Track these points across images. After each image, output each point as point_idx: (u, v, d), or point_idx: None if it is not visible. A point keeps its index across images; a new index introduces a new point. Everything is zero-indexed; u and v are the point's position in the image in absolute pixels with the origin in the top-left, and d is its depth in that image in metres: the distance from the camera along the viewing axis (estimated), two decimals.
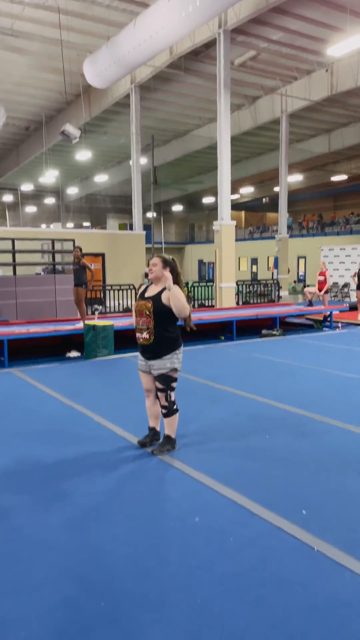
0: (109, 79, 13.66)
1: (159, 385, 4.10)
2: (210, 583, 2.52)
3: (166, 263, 4.12)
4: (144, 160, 22.67)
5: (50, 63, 17.73)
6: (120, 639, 2.16)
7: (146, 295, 4.16)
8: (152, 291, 4.15)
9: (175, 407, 4.16)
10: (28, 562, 2.72)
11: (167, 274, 3.99)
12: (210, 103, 20.79)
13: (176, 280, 4.12)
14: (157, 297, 4.06)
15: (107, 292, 16.16)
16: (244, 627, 2.22)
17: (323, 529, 3.00)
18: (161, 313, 4.02)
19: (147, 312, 4.05)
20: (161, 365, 4.06)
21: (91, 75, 13.89)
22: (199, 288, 17.84)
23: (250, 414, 5.32)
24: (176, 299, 3.94)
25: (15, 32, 14.81)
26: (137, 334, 4.16)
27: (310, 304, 13.84)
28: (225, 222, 14.63)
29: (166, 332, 4.04)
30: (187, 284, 18.96)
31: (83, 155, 24.40)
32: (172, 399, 4.14)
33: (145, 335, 4.07)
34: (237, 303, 17.29)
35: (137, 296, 4.29)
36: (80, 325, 9.46)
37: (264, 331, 11.14)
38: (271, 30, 15.69)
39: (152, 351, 4.07)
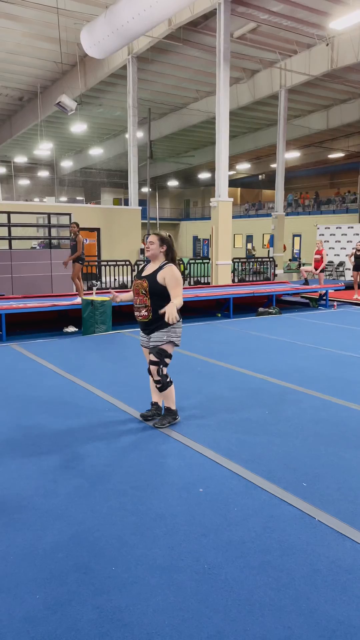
0: (106, 49, 13.36)
1: (153, 358, 4.16)
2: (217, 550, 2.62)
3: (163, 241, 4.17)
4: (140, 134, 22.35)
5: (45, 31, 17.32)
6: (131, 601, 2.25)
7: (143, 274, 4.21)
8: (149, 270, 4.20)
9: (168, 379, 4.24)
10: (39, 529, 2.81)
11: (169, 310, 3.89)
12: (208, 76, 20.48)
13: (172, 258, 4.20)
14: (152, 277, 4.11)
15: (103, 267, 16.12)
16: (250, 591, 2.32)
17: (323, 500, 3.11)
18: (156, 292, 4.09)
19: (143, 292, 4.12)
20: (159, 337, 4.15)
21: (88, 44, 13.57)
22: (195, 265, 17.82)
23: (249, 390, 5.41)
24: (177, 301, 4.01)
25: None
26: (136, 313, 4.23)
27: (307, 282, 13.90)
28: (223, 199, 14.55)
29: (163, 307, 4.07)
30: (182, 260, 18.93)
31: (78, 127, 24.03)
32: (164, 372, 4.21)
33: (143, 312, 4.15)
34: (233, 281, 17.32)
35: (135, 274, 4.34)
36: (78, 300, 9.47)
37: (260, 309, 11.21)
38: (272, 2, 15.38)
39: (152, 326, 4.16)
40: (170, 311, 3.89)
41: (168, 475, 3.45)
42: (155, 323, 4.13)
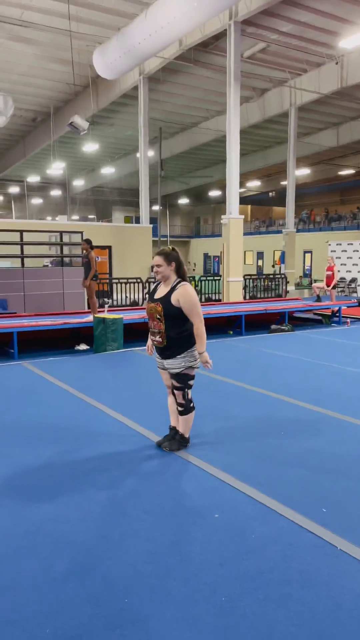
0: (118, 70, 13.55)
1: (175, 384, 4.04)
2: (234, 580, 2.50)
3: (169, 258, 3.91)
4: (151, 153, 22.55)
5: (58, 54, 17.62)
6: (146, 636, 2.15)
7: (155, 296, 3.98)
8: (161, 291, 3.97)
9: (192, 405, 4.11)
10: (50, 557, 2.71)
11: (204, 360, 3.92)
12: (218, 95, 20.67)
13: (180, 272, 3.97)
14: (166, 299, 3.89)
15: (114, 285, 16.13)
16: (270, 627, 2.20)
17: (345, 527, 2.98)
18: (172, 315, 3.87)
19: (158, 316, 3.91)
20: (176, 364, 3.97)
21: (101, 66, 13.78)
22: (206, 282, 17.78)
23: (264, 410, 5.29)
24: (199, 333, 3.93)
25: (24, 22, 14.72)
26: (150, 337, 4.08)
27: (319, 299, 13.79)
28: (234, 216, 14.55)
29: (179, 332, 3.91)
30: (194, 278, 18.90)
31: (90, 147, 24.32)
32: (189, 397, 4.08)
33: (158, 338, 3.98)
34: (244, 297, 17.24)
35: (148, 296, 4.17)
36: (89, 318, 9.44)
37: (273, 326, 11.10)
38: (281, 22, 15.54)
39: (167, 352, 3.98)
40: (204, 360, 3.90)
41: (182, 500, 3.34)
42: (170, 349, 3.95)
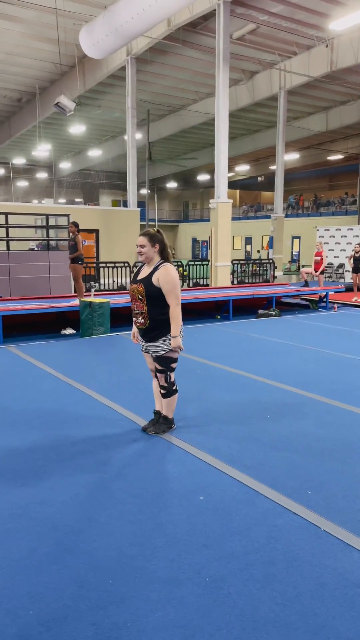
0: (105, 49, 13.28)
1: (158, 367, 4.03)
2: (219, 561, 2.51)
3: (154, 240, 3.89)
4: (139, 135, 22.27)
5: (44, 32, 17.23)
6: (130, 617, 2.15)
7: (138, 277, 3.97)
8: (144, 272, 3.96)
9: (174, 387, 4.11)
10: (35, 539, 2.70)
11: (175, 344, 3.88)
12: (207, 77, 20.42)
13: (164, 254, 3.94)
14: (148, 280, 3.87)
15: (101, 269, 16.01)
16: (254, 606, 2.22)
17: (329, 508, 3.01)
18: (153, 296, 3.85)
19: (140, 297, 3.89)
20: (158, 346, 3.95)
21: (87, 45, 13.50)
22: (194, 267, 17.73)
23: (250, 394, 5.31)
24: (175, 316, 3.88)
25: None
26: (134, 319, 4.04)
27: (307, 284, 13.81)
28: (222, 200, 14.47)
29: (161, 314, 3.89)
30: (181, 263, 18.83)
31: (77, 128, 23.96)
32: (172, 379, 4.07)
33: (140, 319, 3.94)
34: (232, 282, 17.23)
35: (132, 278, 4.15)
36: (76, 302, 9.37)
37: (260, 311, 11.12)
38: (271, 3, 15.33)
39: (149, 334, 3.96)
40: (176, 344, 3.87)
41: (168, 483, 3.34)
42: (153, 331, 3.92)
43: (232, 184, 40.75)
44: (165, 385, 4.05)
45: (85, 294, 9.74)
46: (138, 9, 11.33)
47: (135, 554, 2.57)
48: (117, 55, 18.45)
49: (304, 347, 7.67)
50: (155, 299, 3.87)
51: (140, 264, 4.13)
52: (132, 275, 4.14)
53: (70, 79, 21.15)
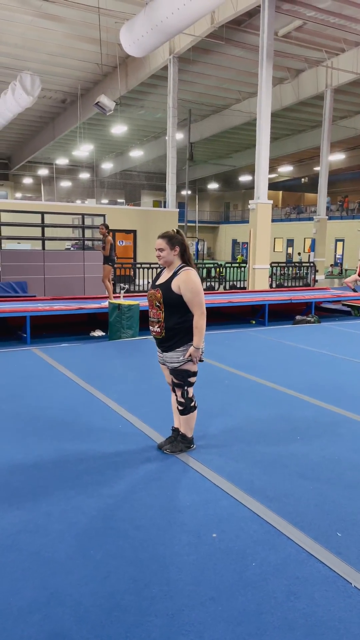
0: (146, 46, 13.04)
1: (175, 380, 3.67)
2: (227, 622, 2.13)
3: (172, 242, 3.53)
4: (180, 136, 22.00)
5: (87, 32, 17.19)
6: None
7: (157, 282, 3.63)
8: (164, 277, 3.62)
9: (193, 404, 3.73)
10: (20, 579, 2.38)
11: (192, 354, 3.53)
12: (251, 76, 19.94)
13: (185, 257, 3.58)
14: (166, 285, 3.53)
15: (137, 270, 15.81)
16: None
17: None
18: (172, 303, 3.50)
19: (157, 304, 3.55)
20: (174, 357, 3.59)
21: (128, 42, 13.29)
22: (232, 269, 17.30)
23: (280, 409, 4.87)
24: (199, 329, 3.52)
25: None
26: (150, 327, 3.69)
27: (355, 291, 13.14)
28: (262, 201, 13.99)
29: (179, 323, 3.54)
30: (219, 265, 18.42)
31: (118, 129, 23.91)
32: (190, 394, 3.70)
33: (156, 328, 3.60)
34: (271, 286, 16.71)
35: (151, 283, 3.80)
36: (106, 304, 9.13)
37: (297, 317, 10.59)
38: None
39: (165, 345, 3.61)
40: (195, 354, 3.52)
41: (178, 514, 2.97)
42: (170, 341, 3.57)
43: (274, 185, 40.06)
44: (183, 401, 3.69)
45: (116, 295, 9.49)
46: (179, 4, 11.03)
47: (129, 605, 2.22)
48: (160, 54, 18.23)
49: (343, 358, 7.14)
50: (173, 306, 3.52)
51: (161, 268, 3.79)
52: (152, 279, 3.77)
53: (113, 80, 21.09)
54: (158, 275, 3.73)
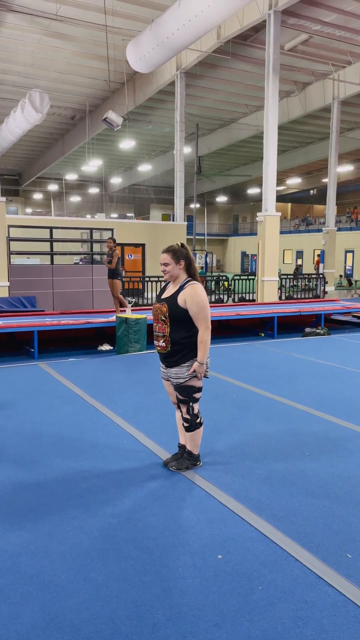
0: (152, 62, 13.16)
1: (179, 396, 3.61)
2: None
3: (177, 256, 3.50)
4: (188, 150, 22.13)
5: (94, 49, 17.40)
6: None
7: (163, 296, 3.60)
8: (169, 291, 3.59)
9: (198, 420, 3.66)
10: (19, 603, 2.32)
11: (196, 369, 3.49)
12: (258, 90, 20.04)
13: (190, 271, 3.54)
14: (172, 299, 3.49)
15: (146, 283, 15.82)
16: None
17: None
18: (178, 317, 3.46)
19: (163, 318, 3.51)
20: (179, 373, 3.53)
21: (134, 59, 13.43)
22: (240, 281, 17.24)
23: (288, 424, 4.78)
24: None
25: (60, 17, 14.54)
26: (155, 341, 3.64)
27: None
28: (270, 213, 13.97)
29: (185, 337, 3.49)
30: (226, 277, 18.40)
31: (127, 144, 24.09)
32: (195, 411, 3.63)
33: (161, 343, 3.55)
34: (280, 298, 16.62)
35: (156, 296, 3.75)
36: (114, 318, 9.10)
37: (307, 329, 10.49)
38: (324, 12, 14.85)
39: (170, 360, 3.56)
40: (199, 371, 3.47)
41: (183, 534, 2.89)
42: (175, 356, 3.52)
43: (283, 197, 40.11)
44: (188, 417, 3.62)
45: (121, 309, 9.46)
46: (184, 20, 11.12)
47: (130, 632, 2.14)
48: (167, 70, 18.41)
49: (354, 371, 7.03)
50: (179, 320, 3.48)
51: (166, 282, 3.75)
52: (158, 292, 3.73)
53: (121, 96, 21.31)
54: (163, 289, 3.69)
